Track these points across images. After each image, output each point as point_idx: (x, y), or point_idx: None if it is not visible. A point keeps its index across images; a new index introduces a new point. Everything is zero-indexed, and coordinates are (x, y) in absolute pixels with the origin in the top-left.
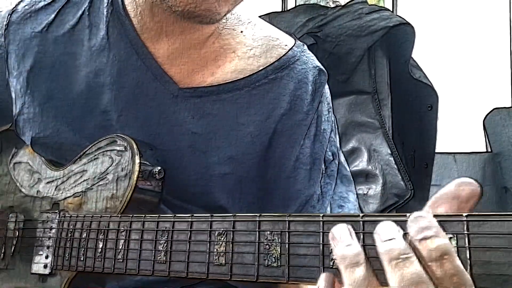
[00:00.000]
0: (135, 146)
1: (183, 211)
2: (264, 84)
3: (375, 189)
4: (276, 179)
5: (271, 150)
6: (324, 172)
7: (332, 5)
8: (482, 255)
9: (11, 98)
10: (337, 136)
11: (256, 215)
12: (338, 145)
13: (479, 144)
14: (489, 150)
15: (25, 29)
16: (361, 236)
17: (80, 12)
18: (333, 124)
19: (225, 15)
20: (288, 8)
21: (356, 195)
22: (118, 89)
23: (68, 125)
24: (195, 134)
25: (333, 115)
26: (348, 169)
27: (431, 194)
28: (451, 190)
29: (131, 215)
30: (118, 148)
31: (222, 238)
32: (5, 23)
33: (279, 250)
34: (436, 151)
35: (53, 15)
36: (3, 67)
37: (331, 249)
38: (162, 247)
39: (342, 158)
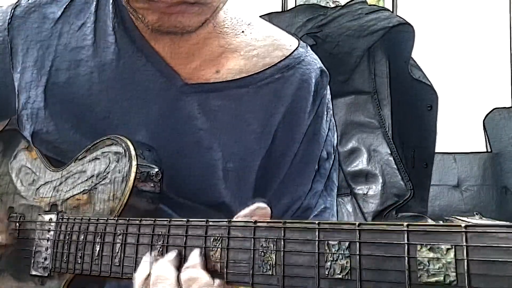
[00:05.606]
0: (132, 148)
1: (185, 208)
2: (270, 83)
3: (375, 189)
4: (273, 177)
5: (273, 148)
6: (316, 170)
7: (332, 5)
8: (481, 267)
9: (13, 93)
10: (335, 136)
11: (252, 222)
12: (335, 145)
13: (479, 144)
14: (489, 150)
15: (29, 24)
16: (357, 245)
17: (87, 9)
18: (331, 124)
19: (204, 23)
20: (288, 8)
21: (335, 201)
22: (123, 85)
23: (70, 122)
24: (201, 130)
25: (332, 115)
26: (336, 178)
27: (431, 194)
28: (247, 213)
29: (127, 219)
30: (116, 149)
31: (218, 244)
32: (8, 17)
33: (274, 257)
34: (436, 151)
35: (59, 12)
36: (5, 62)
37: (327, 258)
38: (158, 252)
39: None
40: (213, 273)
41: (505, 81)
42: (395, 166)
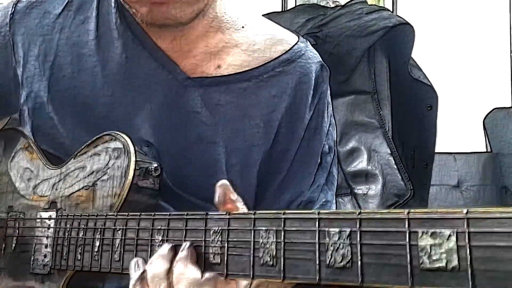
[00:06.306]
0: (131, 144)
1: (186, 204)
2: (271, 77)
3: (375, 189)
4: (276, 172)
5: (276, 143)
6: (319, 164)
7: (332, 5)
8: (483, 252)
9: (14, 89)
10: (335, 131)
11: (251, 213)
12: (335, 138)
13: (479, 144)
14: (489, 150)
15: (31, 19)
16: (358, 234)
17: (89, 4)
18: (331, 119)
19: (197, 15)
20: (288, 8)
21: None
22: (126, 80)
23: (72, 116)
24: (204, 124)
25: (332, 110)
26: (336, 172)
27: (431, 194)
28: (221, 199)
29: (126, 214)
30: (115, 145)
31: (218, 237)
32: (10, 12)
33: (274, 248)
34: (436, 151)
35: (61, 7)
36: (7, 57)
37: (327, 247)
38: (158, 246)
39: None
40: (213, 266)
41: (505, 81)
42: (395, 166)
